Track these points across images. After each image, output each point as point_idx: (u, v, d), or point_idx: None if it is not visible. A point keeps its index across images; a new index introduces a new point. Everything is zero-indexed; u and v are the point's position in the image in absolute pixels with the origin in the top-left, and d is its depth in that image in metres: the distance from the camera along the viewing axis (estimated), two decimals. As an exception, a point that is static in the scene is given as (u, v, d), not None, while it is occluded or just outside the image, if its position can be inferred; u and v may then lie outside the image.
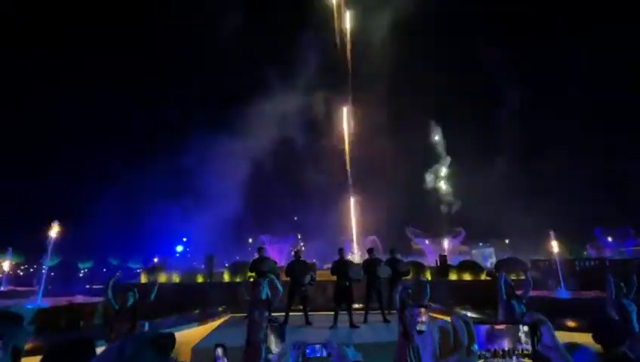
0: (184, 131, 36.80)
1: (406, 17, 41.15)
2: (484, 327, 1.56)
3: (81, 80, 41.37)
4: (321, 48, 43.23)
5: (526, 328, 2.36)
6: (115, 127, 42.55)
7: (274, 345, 2.88)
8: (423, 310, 3.99)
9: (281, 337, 2.91)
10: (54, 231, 11.62)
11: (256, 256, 8.97)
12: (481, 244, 41.11)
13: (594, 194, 37.36)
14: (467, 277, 15.61)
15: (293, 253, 9.13)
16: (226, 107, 40.41)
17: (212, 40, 41.89)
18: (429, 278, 15.30)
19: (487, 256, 37.55)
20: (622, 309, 4.33)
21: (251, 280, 8.26)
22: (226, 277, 14.58)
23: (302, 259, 8.80)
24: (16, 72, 39.48)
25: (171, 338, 1.06)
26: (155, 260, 30.59)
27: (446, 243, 39.49)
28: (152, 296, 5.36)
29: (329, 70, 44.30)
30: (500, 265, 16.63)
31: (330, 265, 9.09)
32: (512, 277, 15.76)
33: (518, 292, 4.47)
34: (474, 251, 37.71)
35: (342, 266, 8.37)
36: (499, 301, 4.28)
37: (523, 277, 16.67)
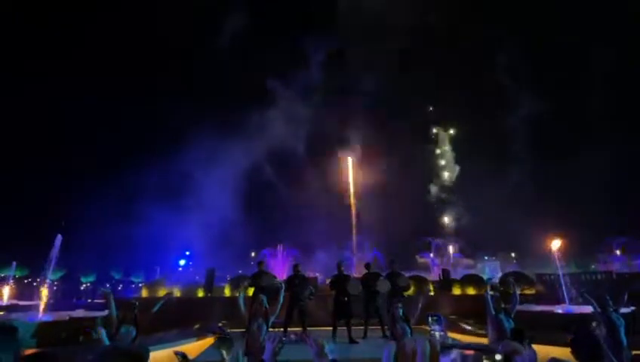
0: (188, 142, 37.12)
1: (417, 22, 41.69)
2: (454, 353, 1.62)
3: (81, 88, 41.74)
4: (324, 54, 44.10)
5: (499, 356, 2.46)
6: (119, 135, 42.86)
7: (224, 355, 2.98)
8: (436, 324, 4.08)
9: (230, 347, 3.02)
10: (58, 243, 11.78)
11: (257, 270, 9.01)
12: (486, 258, 40.54)
13: (604, 206, 36.65)
14: (471, 291, 15.39)
15: (292, 267, 9.13)
16: (229, 117, 40.61)
17: (216, 44, 42.72)
18: (432, 292, 15.12)
19: (495, 270, 36.97)
20: (610, 323, 4.37)
21: (249, 293, 8.26)
22: (227, 292, 14.52)
23: (301, 273, 8.80)
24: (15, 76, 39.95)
25: (144, 352, 1.12)
26: (158, 268, 30.57)
27: (451, 257, 39.05)
28: (156, 308, 5.39)
29: (333, 79, 44.96)
30: (504, 279, 16.42)
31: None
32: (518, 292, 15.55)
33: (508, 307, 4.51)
34: (479, 265, 37.20)
35: (340, 281, 8.35)
36: (487, 316, 4.31)
37: (528, 292, 16.42)
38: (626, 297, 4.85)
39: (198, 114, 40.08)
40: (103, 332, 3.70)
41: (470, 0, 44.28)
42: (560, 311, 9.94)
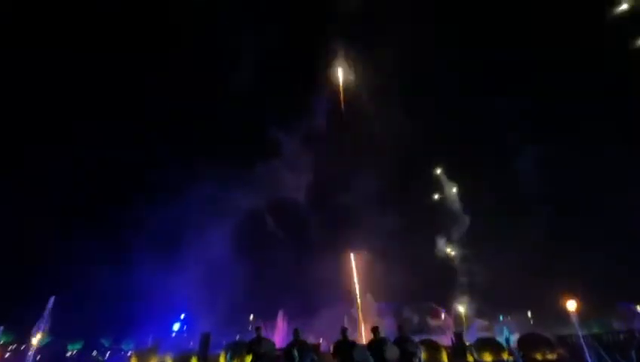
0: (184, 201, 37.07)
1: (415, 68, 43.62)
2: None
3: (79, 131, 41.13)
4: (328, 110, 46.13)
5: None
6: (114, 191, 41.83)
7: None
8: None
9: None
10: (50, 305, 11.39)
11: (255, 336, 8.53)
12: (501, 319, 37.93)
13: (622, 261, 34.80)
14: (487, 357, 14.16)
15: (292, 332, 8.67)
16: (228, 174, 40.71)
17: (218, 96, 44.21)
18: (445, 360, 13.95)
19: (511, 332, 34.36)
20: None
21: (247, 360, 7.68)
22: (222, 361, 13.46)
23: (301, 339, 8.29)
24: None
25: None
26: (150, 337, 28.56)
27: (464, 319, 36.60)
28: None
29: (335, 131, 46.40)
30: (522, 342, 15.28)
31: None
32: (538, 357, 14.33)
33: None
34: (495, 326, 34.72)
35: (345, 348, 7.82)
36: None
37: (550, 357, 15.12)
38: (634, 355, 4.44)
39: (197, 169, 40.48)
40: None
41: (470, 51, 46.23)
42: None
